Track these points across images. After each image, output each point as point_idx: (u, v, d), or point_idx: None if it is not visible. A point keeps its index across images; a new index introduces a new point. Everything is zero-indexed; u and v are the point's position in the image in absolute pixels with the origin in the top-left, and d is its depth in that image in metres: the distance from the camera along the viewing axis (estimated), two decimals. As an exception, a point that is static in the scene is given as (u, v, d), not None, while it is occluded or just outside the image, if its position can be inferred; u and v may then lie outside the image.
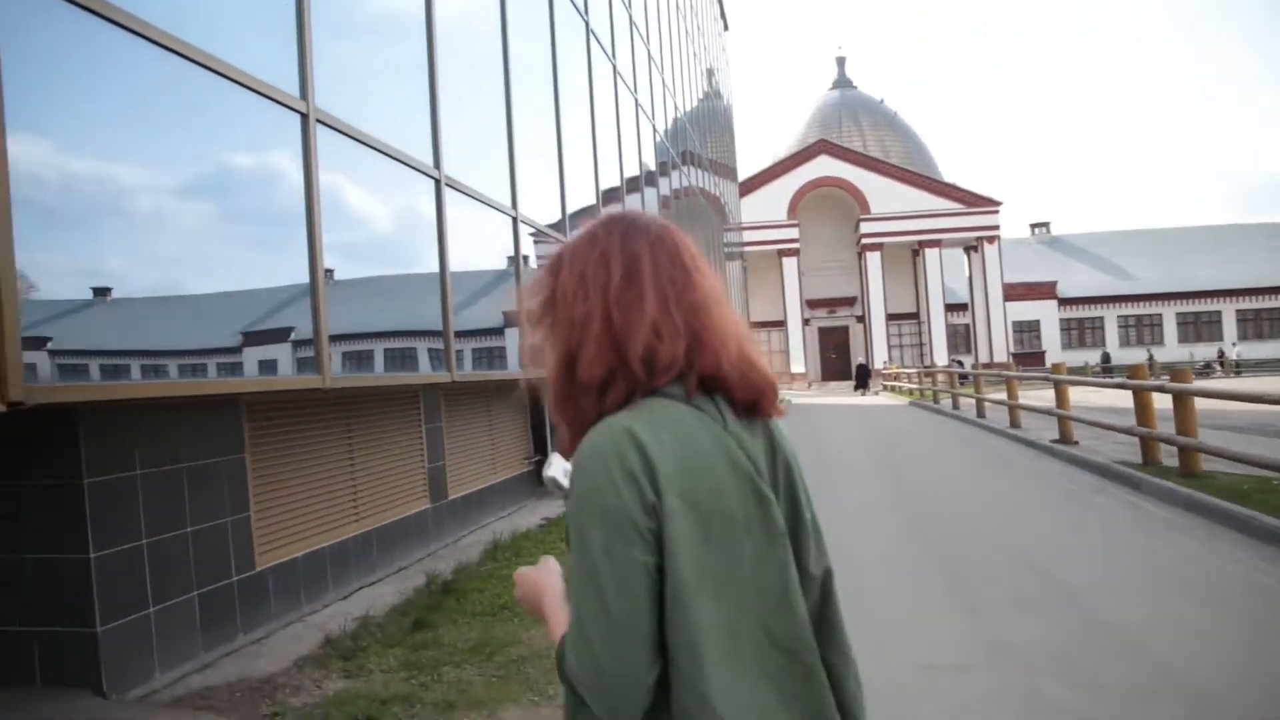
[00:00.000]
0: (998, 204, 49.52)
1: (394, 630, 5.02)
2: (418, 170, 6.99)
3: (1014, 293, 51.38)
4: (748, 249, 45.08)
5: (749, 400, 1.31)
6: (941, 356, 47.10)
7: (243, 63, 4.77)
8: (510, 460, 9.53)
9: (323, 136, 5.50)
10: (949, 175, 59.93)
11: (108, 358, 4.17)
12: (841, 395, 39.43)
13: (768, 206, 50.61)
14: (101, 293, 4.06)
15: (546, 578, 1.42)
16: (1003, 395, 18.22)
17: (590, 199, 12.56)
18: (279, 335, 5.31)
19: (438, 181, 7.29)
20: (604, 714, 1.18)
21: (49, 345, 3.71)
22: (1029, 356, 49.10)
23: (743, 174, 47.16)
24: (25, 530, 4.19)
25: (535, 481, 10.20)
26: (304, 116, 5.35)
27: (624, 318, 1.26)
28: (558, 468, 1.43)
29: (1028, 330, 54.55)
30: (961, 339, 51.83)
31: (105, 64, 4.05)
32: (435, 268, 7.23)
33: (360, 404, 6.47)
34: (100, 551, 4.10)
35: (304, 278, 5.33)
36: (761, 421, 1.33)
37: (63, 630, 4.11)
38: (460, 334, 7.55)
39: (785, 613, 1.24)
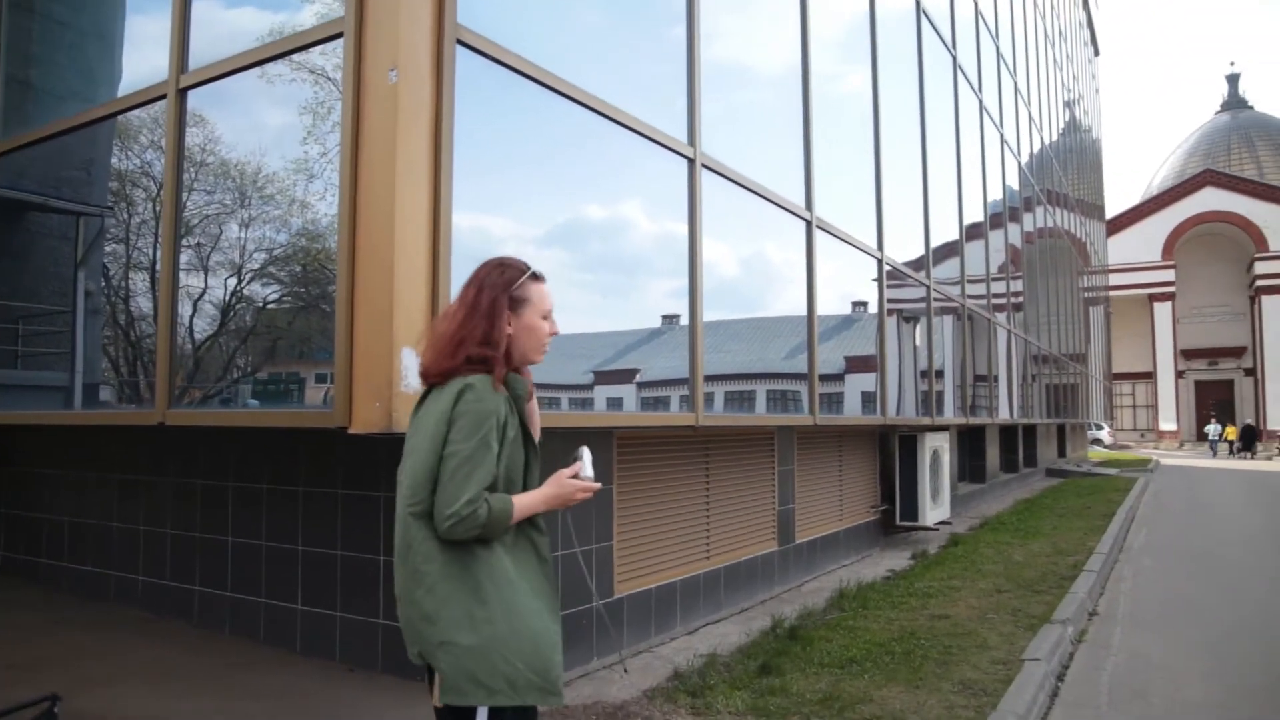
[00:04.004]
0: None
1: (740, 672, 4.94)
2: (790, 212, 7.02)
3: None
4: (1113, 293, 41.34)
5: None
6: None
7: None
8: (857, 508, 9.25)
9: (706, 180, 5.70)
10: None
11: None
12: (1220, 458, 34.73)
13: (1138, 246, 46.26)
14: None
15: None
16: None
17: (953, 235, 12.05)
18: (629, 375, 5.47)
19: (809, 223, 7.28)
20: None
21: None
22: None
23: (1110, 210, 43.39)
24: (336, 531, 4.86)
25: (881, 531, 9.84)
26: (690, 161, 5.57)
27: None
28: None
29: None
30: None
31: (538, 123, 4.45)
32: (788, 311, 7.21)
33: (719, 444, 6.53)
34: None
35: (656, 321, 5.52)
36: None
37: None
38: (821, 378, 7.46)
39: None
